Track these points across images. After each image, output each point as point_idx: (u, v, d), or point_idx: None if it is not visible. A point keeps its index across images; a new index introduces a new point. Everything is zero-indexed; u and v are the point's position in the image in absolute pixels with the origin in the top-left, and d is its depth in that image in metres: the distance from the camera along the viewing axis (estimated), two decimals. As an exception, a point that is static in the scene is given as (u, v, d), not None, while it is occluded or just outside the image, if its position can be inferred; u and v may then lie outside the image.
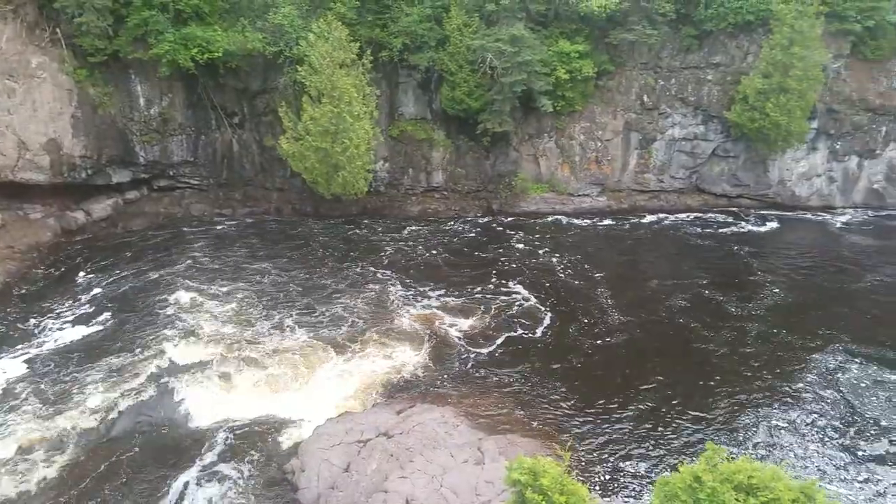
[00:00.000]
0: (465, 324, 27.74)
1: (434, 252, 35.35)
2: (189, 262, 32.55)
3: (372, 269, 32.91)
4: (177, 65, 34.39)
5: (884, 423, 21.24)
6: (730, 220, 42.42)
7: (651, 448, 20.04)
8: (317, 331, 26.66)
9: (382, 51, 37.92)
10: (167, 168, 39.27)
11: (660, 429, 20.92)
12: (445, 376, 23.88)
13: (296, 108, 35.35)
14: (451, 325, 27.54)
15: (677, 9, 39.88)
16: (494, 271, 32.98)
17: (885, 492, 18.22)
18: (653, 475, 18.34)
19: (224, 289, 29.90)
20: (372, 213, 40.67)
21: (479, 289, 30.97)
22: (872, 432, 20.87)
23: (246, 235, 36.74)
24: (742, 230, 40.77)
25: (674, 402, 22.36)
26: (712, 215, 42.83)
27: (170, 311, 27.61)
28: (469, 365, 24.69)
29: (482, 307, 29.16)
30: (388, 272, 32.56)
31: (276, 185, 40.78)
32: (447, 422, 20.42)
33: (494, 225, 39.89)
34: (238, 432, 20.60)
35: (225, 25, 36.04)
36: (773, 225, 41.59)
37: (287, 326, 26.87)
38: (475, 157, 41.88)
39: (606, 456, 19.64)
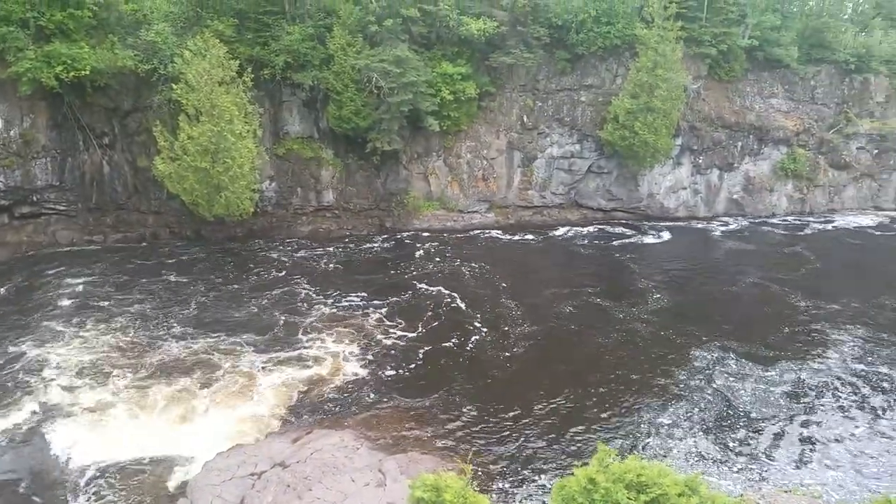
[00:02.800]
0: (362, 344, 27.27)
1: (327, 272, 34.66)
2: (57, 294, 29.82)
3: (259, 292, 31.65)
4: (39, 83, 31.86)
5: (754, 415, 23.06)
6: (616, 231, 44.98)
7: (550, 453, 20.52)
8: (203, 361, 25.16)
9: (264, 69, 37.08)
10: (30, 193, 35.82)
11: (557, 434, 21.48)
12: (343, 399, 23.29)
13: (171, 128, 33.63)
14: (347, 347, 26.95)
15: (551, 33, 42.13)
16: (389, 290, 32.77)
17: (760, 479, 19.72)
18: (552, 480, 18.77)
19: (98, 322, 27.60)
20: (259, 235, 39.30)
21: (372, 308, 30.62)
22: (744, 424, 22.59)
23: (119, 262, 34.25)
24: (628, 241, 43.24)
25: (569, 407, 23.09)
26: (601, 228, 45.26)
27: (34, 349, 25.06)
28: (367, 385, 24.23)
29: (377, 326, 28.84)
30: (278, 295, 31.46)
31: (153, 208, 38.40)
32: (346, 445, 19.85)
33: (388, 243, 39.81)
34: (119, 474, 18.90)
35: (93, 42, 33.85)
36: (656, 235, 44.52)
37: (170, 358, 25.16)
38: (366, 175, 41.72)
39: (507, 465, 19.88)
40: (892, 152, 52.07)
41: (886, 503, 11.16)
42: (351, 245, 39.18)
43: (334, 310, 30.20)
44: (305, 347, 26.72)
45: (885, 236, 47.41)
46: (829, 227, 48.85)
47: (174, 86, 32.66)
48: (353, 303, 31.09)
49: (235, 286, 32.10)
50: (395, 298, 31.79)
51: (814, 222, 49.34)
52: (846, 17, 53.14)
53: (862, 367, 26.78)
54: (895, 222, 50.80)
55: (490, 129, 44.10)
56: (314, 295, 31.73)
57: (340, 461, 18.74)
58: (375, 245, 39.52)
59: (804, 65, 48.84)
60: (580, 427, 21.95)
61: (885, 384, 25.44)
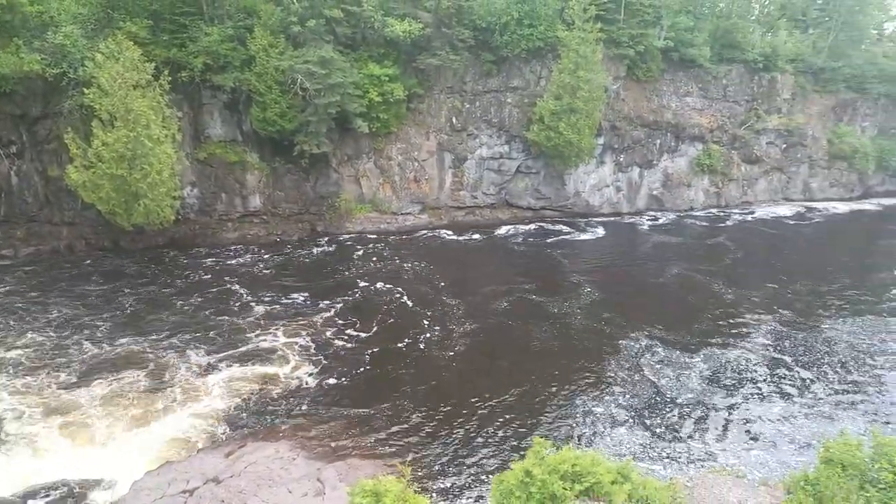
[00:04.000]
0: (298, 350, 26.69)
1: (259, 278, 33.74)
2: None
3: (184, 302, 30.47)
4: (-66, 90, 29.60)
5: (680, 400, 24.01)
6: (549, 228, 45.92)
7: (490, 449, 20.68)
8: (127, 377, 23.98)
9: (182, 71, 35.77)
10: (-73, 208, 33.28)
11: (497, 429, 21.69)
12: (278, 408, 22.71)
13: (84, 134, 31.93)
14: (282, 355, 26.35)
15: (476, 35, 42.57)
16: (325, 294, 32.24)
17: (688, 462, 20.52)
18: (492, 475, 18.91)
19: (10, 338, 25.86)
20: (183, 244, 37.85)
21: (307, 314, 30.03)
22: (671, 409, 23.48)
23: (32, 277, 32.25)
24: (561, 238, 44.22)
25: (509, 402, 23.34)
26: (536, 225, 46.08)
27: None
28: (304, 393, 23.73)
29: (314, 332, 28.30)
30: (205, 303, 30.38)
31: (67, 220, 36.34)
32: (282, 457, 19.40)
33: (321, 248, 39.13)
34: (41, 501, 17.77)
35: (-6, 46, 31.77)
36: (587, 231, 45.70)
37: (92, 375, 23.84)
38: (294, 179, 40.91)
39: (449, 464, 19.90)
40: (798, 146, 55.48)
41: (804, 478, 11.79)
42: (282, 250, 38.34)
43: (266, 318, 29.45)
44: (238, 358, 25.91)
45: (799, 225, 50.58)
46: (749, 217, 51.67)
47: (86, 90, 31.02)
48: (286, 309, 30.40)
49: (159, 296, 30.79)
50: (331, 302, 31.31)
51: (735, 214, 52.08)
52: (753, 18, 56.21)
53: (778, 350, 28.36)
54: (810, 211, 54.36)
55: (420, 131, 44.14)
56: (244, 303, 30.85)
57: (276, 473, 18.31)
58: (308, 249, 38.79)
59: (716, 64, 51.31)
60: (519, 421, 22.24)
61: (799, 366, 27.03)
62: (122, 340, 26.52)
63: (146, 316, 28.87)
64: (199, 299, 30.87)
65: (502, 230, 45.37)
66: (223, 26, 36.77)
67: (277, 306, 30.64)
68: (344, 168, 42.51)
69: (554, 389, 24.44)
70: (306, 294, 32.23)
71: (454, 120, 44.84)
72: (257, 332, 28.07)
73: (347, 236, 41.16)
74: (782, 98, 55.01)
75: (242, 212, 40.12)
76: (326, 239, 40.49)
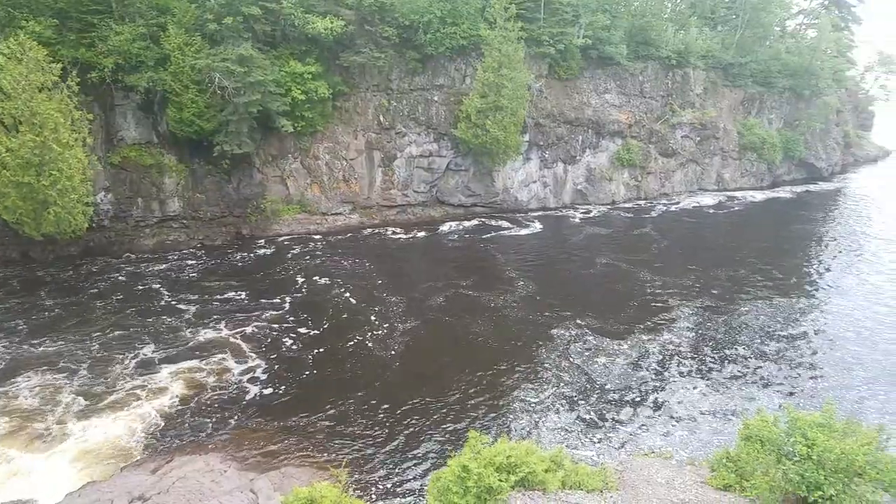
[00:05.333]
0: (226, 357, 25.83)
1: (179, 286, 32.42)
2: None
3: (104, 312, 28.97)
4: None
5: (609, 386, 24.77)
6: (484, 224, 46.26)
7: (429, 446, 20.67)
8: (44, 394, 22.57)
9: (92, 71, 34.01)
10: None
11: (436, 426, 21.71)
12: (207, 419, 21.92)
13: (-15, 140, 29.82)
14: (209, 362, 25.43)
15: (400, 33, 42.42)
16: (254, 298, 31.37)
17: (619, 447, 21.18)
18: (429, 473, 18.92)
19: None
20: (98, 252, 35.91)
21: (237, 319, 29.12)
22: (602, 396, 24.18)
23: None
24: (496, 234, 44.65)
25: (447, 398, 23.41)
26: (470, 222, 46.28)
27: None
28: (234, 401, 23.00)
29: (244, 337, 27.47)
30: (124, 312, 28.98)
31: (-34, 231, 33.86)
32: (213, 469, 18.73)
33: (247, 252, 37.98)
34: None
35: None
36: (520, 226, 46.28)
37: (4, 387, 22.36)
38: (215, 181, 39.55)
39: (387, 465, 19.77)
40: (711, 139, 58.25)
41: (726, 455, 12.37)
42: (206, 255, 37.01)
43: (194, 325, 28.39)
44: (165, 367, 24.86)
45: (719, 214, 53.26)
46: (674, 208, 53.93)
47: (-15, 94, 29.02)
48: (215, 316, 29.38)
49: (77, 307, 29.13)
50: (262, 307, 30.51)
51: (660, 205, 54.17)
52: (666, 16, 58.43)
53: (700, 334, 29.73)
54: (730, 200, 57.24)
55: (347, 130, 43.62)
56: (169, 310, 29.64)
57: (207, 486, 17.67)
58: (234, 254, 37.60)
59: (633, 61, 53.17)
60: (458, 416, 22.37)
61: (719, 348, 28.42)
62: (31, 358, 24.93)
63: (62, 325, 27.26)
64: (121, 309, 29.46)
65: (445, 227, 45.49)
66: (134, 24, 35.19)
67: (205, 313, 29.58)
68: (268, 168, 41.48)
69: (491, 382, 24.74)
70: (235, 299, 31.30)
71: (382, 118, 44.56)
72: (185, 340, 27.05)
73: (276, 239, 40.16)
74: (695, 93, 57.63)
75: (161, 217, 38.47)
76: (254, 242, 39.38)
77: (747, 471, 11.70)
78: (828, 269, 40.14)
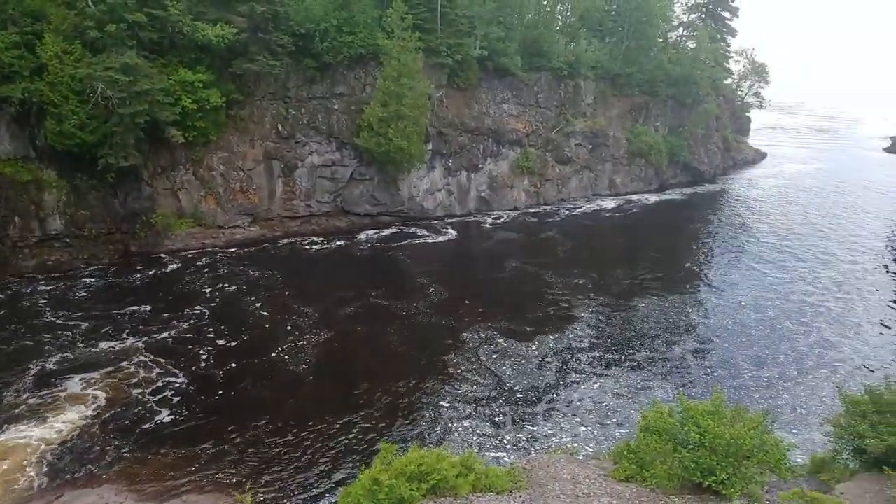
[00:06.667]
0: (119, 384, 24.11)
1: (68, 307, 30.03)
2: None
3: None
4: None
5: (517, 387, 25.29)
6: (392, 233, 46.01)
7: (340, 461, 20.20)
8: None
9: (-45, 80, 31.03)
10: None
11: (347, 440, 21.27)
12: (101, 451, 20.35)
13: None
14: (102, 389, 23.65)
15: (296, 41, 41.59)
16: (150, 321, 29.56)
17: (528, 447, 21.60)
18: (339, 490, 18.50)
19: None
20: (-34, 277, 32.72)
21: (133, 341, 27.32)
22: (510, 397, 24.64)
23: None
24: (406, 242, 44.53)
25: (358, 411, 22.99)
26: (378, 231, 45.85)
27: None
28: (132, 429, 21.50)
29: (140, 362, 25.77)
30: (6, 336, 26.54)
31: None
32: (107, 503, 17.51)
33: (138, 272, 35.70)
34: None
35: None
36: (431, 234, 46.35)
37: None
38: (100, 196, 36.93)
39: (296, 483, 19.12)
40: (603, 146, 61.06)
41: (627, 447, 12.88)
42: (93, 275, 34.51)
43: (83, 345, 26.48)
44: (52, 392, 22.96)
45: (616, 216, 56.00)
46: (577, 212, 56.10)
47: None
48: (107, 339, 27.51)
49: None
50: (160, 327, 28.88)
51: (563, 209, 56.21)
52: (558, 28, 60.69)
53: (601, 332, 31.01)
54: (628, 203, 60.13)
55: (243, 139, 42.16)
56: (57, 331, 27.51)
57: (98, 523, 16.45)
58: (124, 273, 35.25)
59: (527, 72, 54.84)
60: (370, 427, 22.09)
61: (619, 344, 29.77)
62: None
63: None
64: (2, 331, 26.95)
65: (362, 236, 45.00)
66: (6, 32, 32.55)
67: (96, 334, 27.64)
68: (158, 181, 39.34)
69: (404, 392, 24.64)
70: (132, 319, 29.45)
71: (280, 127, 43.43)
72: (74, 362, 25.18)
73: (169, 255, 38.07)
74: (586, 102, 60.27)
75: (41, 236, 35.45)
76: (144, 260, 37.10)
77: (647, 461, 12.22)
78: (715, 266, 43.14)
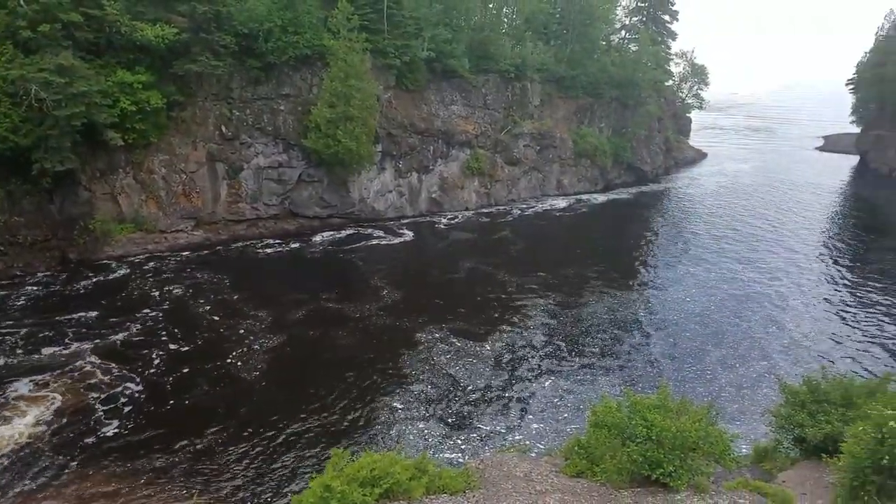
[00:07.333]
0: (68, 396, 23.07)
1: (2, 319, 28.72)
2: None
3: None
4: None
5: (471, 387, 25.43)
6: (359, 233, 45.84)
7: (292, 469, 19.90)
8: None
9: None
10: None
11: (299, 447, 20.96)
12: (41, 467, 19.47)
13: None
14: (46, 403, 22.58)
15: (239, 41, 40.77)
16: (95, 331, 28.40)
17: (481, 446, 21.73)
18: (289, 497, 18.22)
19: None
20: None
21: (78, 352, 26.19)
22: (464, 398, 24.76)
23: None
24: (359, 244, 44.17)
25: (311, 416, 22.68)
26: (329, 233, 45.26)
27: None
28: (74, 440, 20.64)
29: (88, 373, 24.74)
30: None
31: None
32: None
33: (77, 280, 34.19)
34: None
35: None
36: (386, 236, 46.08)
37: None
38: (35, 201, 35.29)
39: (247, 493, 18.74)
40: (550, 148, 62.02)
41: (577, 443, 13.10)
42: (31, 284, 32.95)
43: (24, 356, 25.28)
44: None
45: (566, 216, 56.94)
46: (529, 212, 56.84)
47: None
48: (51, 345, 26.48)
49: None
50: (105, 334, 27.78)
51: (516, 209, 56.84)
52: (504, 31, 61.36)
53: (551, 329, 31.50)
54: (578, 202, 61.23)
55: (185, 141, 41.05)
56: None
57: (36, 544, 15.73)
58: (64, 281, 33.81)
59: (475, 74, 55.27)
60: (323, 433, 21.86)
61: (569, 341, 30.29)
62: None
63: None
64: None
65: (317, 238, 44.38)
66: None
67: (37, 351, 26.35)
68: (96, 185, 37.91)
69: (357, 396, 24.47)
70: (73, 333, 28.18)
71: (224, 128, 42.48)
72: (14, 372, 23.94)
73: (110, 262, 36.64)
74: (533, 105, 61.12)
75: (-31, 244, 33.74)
76: (83, 268, 35.60)
77: (597, 456, 12.46)
78: (660, 263, 44.41)
